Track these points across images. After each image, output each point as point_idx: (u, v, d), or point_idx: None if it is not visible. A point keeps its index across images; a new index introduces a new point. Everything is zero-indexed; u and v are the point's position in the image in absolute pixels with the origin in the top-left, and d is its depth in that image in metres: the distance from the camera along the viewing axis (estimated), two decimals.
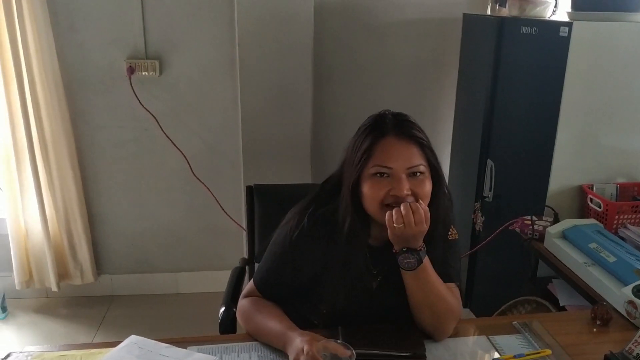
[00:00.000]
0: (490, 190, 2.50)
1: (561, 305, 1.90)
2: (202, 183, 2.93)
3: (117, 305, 3.10)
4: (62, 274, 3.03)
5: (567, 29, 1.96)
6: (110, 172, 3.00)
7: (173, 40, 2.83)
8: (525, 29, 2.23)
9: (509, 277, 2.39)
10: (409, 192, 1.31)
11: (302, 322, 1.39)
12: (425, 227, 1.31)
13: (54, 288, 2.98)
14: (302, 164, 2.84)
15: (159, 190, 3.05)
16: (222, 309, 1.69)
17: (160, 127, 2.87)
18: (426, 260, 1.35)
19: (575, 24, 1.95)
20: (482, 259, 2.65)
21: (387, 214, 1.30)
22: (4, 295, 2.94)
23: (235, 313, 1.54)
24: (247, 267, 1.99)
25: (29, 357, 1.33)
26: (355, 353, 1.25)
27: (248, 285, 1.50)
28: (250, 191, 2.00)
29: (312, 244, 1.40)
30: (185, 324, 2.84)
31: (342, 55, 2.96)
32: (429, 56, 3.01)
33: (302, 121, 2.80)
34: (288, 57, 2.70)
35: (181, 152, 2.91)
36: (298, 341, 1.24)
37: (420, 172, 1.34)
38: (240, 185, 2.87)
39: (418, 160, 1.34)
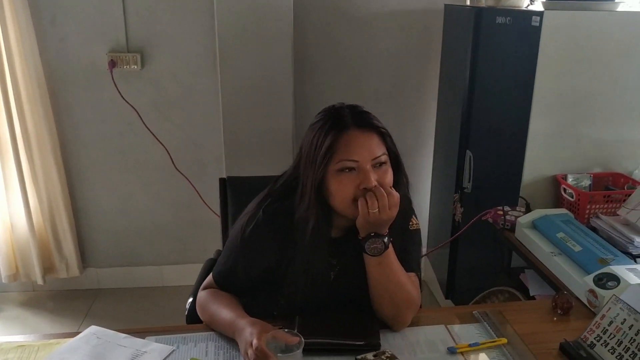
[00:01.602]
0: (469, 181, 2.49)
1: (531, 295, 1.90)
2: (184, 176, 2.94)
3: (103, 298, 3.13)
4: (47, 268, 3.06)
5: (538, 18, 1.95)
6: (94, 166, 3.02)
7: (154, 33, 2.83)
8: (500, 19, 2.22)
9: (487, 268, 2.39)
10: (377, 183, 1.31)
11: (262, 313, 1.40)
12: (396, 211, 1.32)
13: (40, 282, 3.01)
14: (284, 157, 2.83)
15: (143, 184, 3.06)
16: (190, 300, 1.70)
17: (143, 121, 2.88)
18: (390, 246, 1.36)
19: (547, 13, 1.94)
20: (462, 250, 2.65)
21: (360, 202, 1.30)
22: None
23: None
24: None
25: None
26: (310, 342, 1.26)
27: (207, 278, 1.51)
28: (224, 183, 2.01)
29: (267, 237, 1.40)
30: (171, 317, 2.84)
31: (324, 47, 2.96)
32: (412, 47, 3.00)
33: (283, 113, 2.80)
34: (268, 49, 2.69)
35: (163, 145, 2.92)
36: (247, 333, 1.24)
37: (383, 162, 1.34)
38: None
39: (380, 150, 1.34)
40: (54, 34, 2.80)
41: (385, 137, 1.37)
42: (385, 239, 1.34)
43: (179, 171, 2.95)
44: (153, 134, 2.90)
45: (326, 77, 3.00)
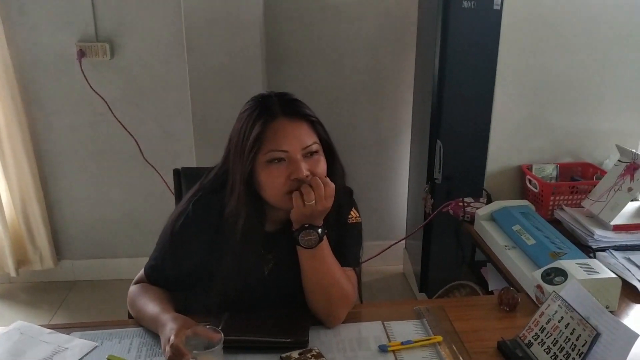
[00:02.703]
0: (439, 172, 2.42)
1: (490, 289, 1.84)
2: (152, 166, 2.90)
3: (78, 290, 3.10)
4: (21, 260, 3.03)
5: (500, 1, 1.88)
6: (67, 158, 2.98)
7: (123, 23, 2.78)
8: (465, 3, 2.12)
9: (455, 261, 2.33)
10: (308, 173, 1.26)
11: (199, 308, 1.35)
12: (331, 202, 1.27)
13: (13, 274, 2.99)
14: None
15: (116, 175, 3.02)
16: None
17: (112, 111, 2.83)
18: (324, 239, 1.31)
19: None
20: (434, 242, 2.58)
21: (294, 196, 1.24)
22: None
23: None
24: None
25: None
26: (233, 340, 1.22)
27: (140, 272, 1.47)
28: (177, 175, 1.97)
29: (196, 232, 1.35)
30: None
31: (297, 35, 2.89)
32: (387, 34, 2.91)
33: None
34: (237, 37, 2.63)
35: (132, 136, 2.87)
36: (168, 329, 1.20)
37: (315, 151, 1.29)
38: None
39: (311, 139, 1.28)
40: (22, 23, 2.75)
41: (315, 125, 1.31)
42: (320, 230, 1.29)
43: (148, 162, 2.90)
44: (122, 125, 2.85)
45: (299, 66, 2.93)
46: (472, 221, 1.93)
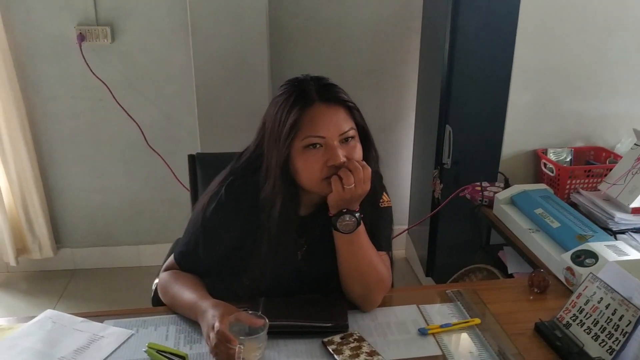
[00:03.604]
0: (448, 157, 2.43)
1: (509, 273, 1.86)
2: (157, 153, 2.86)
3: (79, 279, 3.06)
4: (20, 249, 2.98)
5: None
6: (65, 144, 2.92)
7: (124, 5, 2.72)
8: None
9: (467, 245, 2.34)
10: (345, 159, 1.25)
11: (227, 294, 1.34)
12: (369, 186, 1.26)
13: (13, 263, 2.93)
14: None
15: (116, 161, 2.97)
16: (156, 281, 1.63)
17: (114, 96, 2.78)
18: (362, 224, 1.30)
19: None
20: (442, 227, 2.60)
21: (333, 180, 1.23)
22: None
23: None
24: None
25: None
26: (275, 325, 1.21)
27: (169, 259, 1.44)
28: (193, 160, 1.94)
29: (230, 217, 1.33)
30: (147, 297, 2.79)
31: (301, 18, 2.86)
32: (392, 18, 2.89)
33: (259, 88, 2.70)
34: (242, 20, 2.59)
35: (135, 122, 2.82)
36: (210, 316, 1.18)
37: (351, 137, 1.28)
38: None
39: (348, 125, 1.27)
40: (19, 6, 2.67)
41: (352, 111, 1.30)
42: (357, 215, 1.28)
43: (152, 148, 2.86)
44: (125, 110, 2.80)
45: (303, 50, 2.91)
46: (489, 205, 1.94)
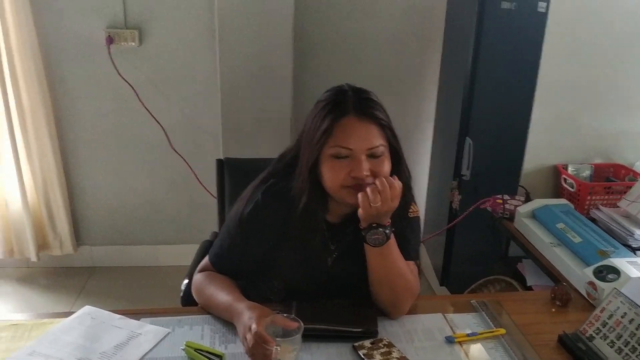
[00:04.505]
0: (467, 169, 2.47)
1: (528, 285, 1.89)
2: (180, 155, 2.91)
3: (97, 277, 3.11)
4: (41, 245, 3.03)
5: (545, 4, 1.92)
6: (89, 143, 2.97)
7: (153, 10, 2.78)
8: (505, 4, 2.18)
9: (483, 256, 2.38)
10: (369, 173, 1.29)
11: (258, 297, 1.38)
12: (397, 203, 1.30)
13: (34, 258, 2.98)
14: (281, 139, 2.80)
15: (139, 162, 3.02)
16: (185, 281, 1.68)
17: (139, 98, 2.83)
18: (392, 236, 1.34)
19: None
20: (458, 237, 2.64)
21: (360, 196, 1.27)
22: None
23: None
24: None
25: None
26: (307, 328, 1.24)
27: (204, 260, 1.49)
28: (221, 164, 1.98)
29: (266, 220, 1.38)
30: (165, 297, 2.82)
31: (325, 28, 2.91)
32: (414, 30, 2.95)
33: (282, 95, 2.76)
34: (268, 29, 2.65)
35: (159, 124, 2.88)
36: (246, 317, 1.23)
37: (380, 153, 1.31)
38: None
39: (378, 141, 1.31)
40: (51, 8, 2.73)
41: (385, 129, 1.33)
42: (387, 230, 1.32)
43: (175, 150, 2.91)
44: (149, 112, 2.86)
45: (325, 59, 2.96)
46: (510, 218, 1.98)
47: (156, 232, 3.15)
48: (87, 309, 1.40)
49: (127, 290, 2.99)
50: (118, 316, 1.37)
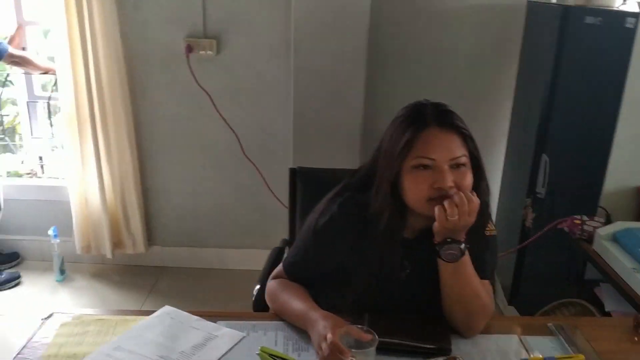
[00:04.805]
0: (543, 187, 2.40)
1: (606, 310, 1.82)
2: (252, 162, 2.98)
3: (166, 276, 3.22)
4: (116, 243, 3.16)
5: (634, 20, 1.86)
6: (165, 148, 3.09)
7: (231, 20, 2.87)
8: (589, 19, 2.12)
9: (556, 277, 2.31)
10: (453, 184, 1.28)
11: (328, 307, 1.39)
12: (474, 218, 1.28)
13: (109, 255, 3.12)
14: (351, 150, 2.82)
15: (211, 167, 3.12)
16: (257, 287, 1.71)
17: (215, 105, 2.92)
18: (466, 253, 1.33)
19: None
20: (530, 256, 2.56)
21: (437, 209, 1.26)
22: (62, 259, 3.10)
23: None
24: (286, 248, 2.01)
25: (70, 318, 1.40)
26: (382, 341, 1.24)
27: (277, 267, 1.52)
28: (294, 173, 2.01)
29: (340, 233, 1.39)
30: (230, 300, 2.89)
31: (399, 40, 2.91)
32: (489, 45, 2.91)
33: (354, 106, 2.78)
34: (343, 41, 2.68)
35: (233, 131, 2.96)
36: (321, 327, 1.24)
37: (463, 164, 1.30)
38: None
39: (460, 151, 1.30)
40: (136, 18, 2.87)
41: (467, 139, 1.32)
42: (462, 246, 1.31)
43: (247, 157, 2.98)
44: (224, 119, 2.94)
45: (398, 72, 2.96)
46: (588, 239, 1.91)
47: (225, 235, 3.23)
48: (167, 308, 1.45)
49: (196, 291, 3.08)
50: (196, 317, 1.41)
